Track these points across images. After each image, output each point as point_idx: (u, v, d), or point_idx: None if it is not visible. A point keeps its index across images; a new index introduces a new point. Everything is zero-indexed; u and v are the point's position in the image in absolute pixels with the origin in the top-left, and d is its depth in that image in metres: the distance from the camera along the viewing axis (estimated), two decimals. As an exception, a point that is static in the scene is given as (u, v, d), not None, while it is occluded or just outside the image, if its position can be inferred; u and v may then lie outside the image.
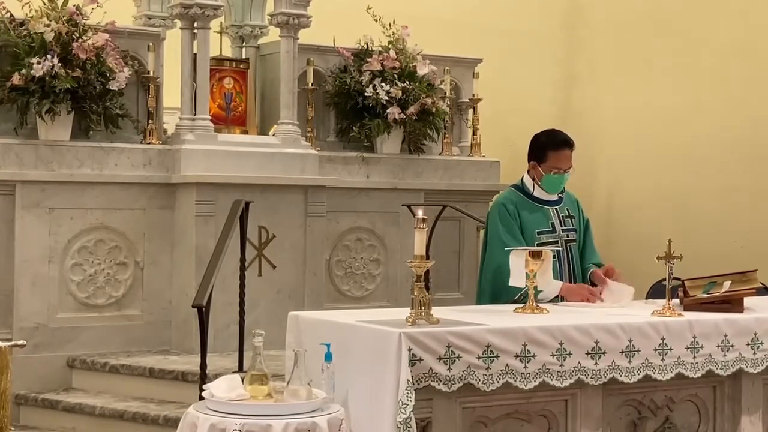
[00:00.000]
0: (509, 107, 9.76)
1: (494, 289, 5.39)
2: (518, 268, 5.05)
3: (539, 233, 5.55)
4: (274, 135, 7.91)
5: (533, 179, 5.62)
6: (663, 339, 4.71)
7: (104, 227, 7.28)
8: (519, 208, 5.55)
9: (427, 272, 4.54)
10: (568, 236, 5.64)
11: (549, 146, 5.57)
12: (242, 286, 6.74)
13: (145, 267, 7.40)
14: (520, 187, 5.66)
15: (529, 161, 5.66)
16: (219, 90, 7.98)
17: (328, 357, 4.35)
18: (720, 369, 4.85)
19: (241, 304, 6.73)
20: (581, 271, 5.69)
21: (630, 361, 4.63)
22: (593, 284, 5.57)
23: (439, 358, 4.25)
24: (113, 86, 7.14)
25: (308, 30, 7.93)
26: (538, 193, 5.61)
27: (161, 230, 7.43)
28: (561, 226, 5.63)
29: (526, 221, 5.53)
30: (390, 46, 8.29)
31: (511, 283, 5.13)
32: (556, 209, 5.64)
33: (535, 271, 4.98)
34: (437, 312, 4.49)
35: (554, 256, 5.30)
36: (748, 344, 4.91)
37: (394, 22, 8.30)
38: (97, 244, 7.27)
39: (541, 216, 5.58)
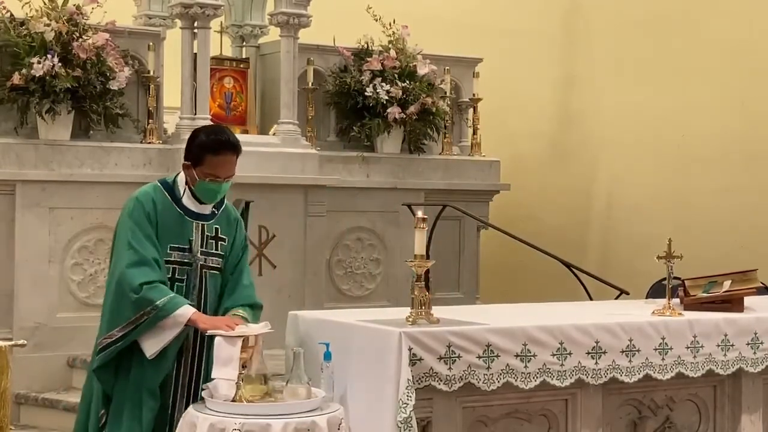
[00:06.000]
0: (509, 107, 9.76)
1: (116, 297, 4.48)
2: (227, 355, 4.25)
3: (172, 249, 4.54)
4: (274, 134, 7.91)
5: (186, 183, 4.60)
6: (663, 338, 4.72)
7: (104, 227, 7.27)
8: (161, 211, 4.53)
9: (427, 272, 4.52)
10: (206, 261, 4.59)
11: (208, 148, 4.52)
12: (242, 285, 6.71)
13: (145, 267, 7.39)
14: (170, 188, 4.61)
15: (184, 160, 4.62)
16: (219, 89, 7.98)
17: (328, 356, 4.35)
18: (720, 368, 4.85)
19: (241, 303, 6.71)
20: (218, 310, 4.62)
21: (630, 361, 4.64)
22: None
23: (440, 358, 4.25)
24: (113, 86, 7.15)
25: (308, 30, 7.94)
26: (187, 200, 4.59)
27: (161, 230, 7.42)
28: (201, 248, 4.59)
29: (163, 230, 4.52)
30: (390, 45, 8.30)
31: (214, 374, 4.28)
32: (202, 225, 4.60)
33: (246, 359, 4.29)
34: (437, 312, 4.49)
35: (182, 281, 4.53)
36: (748, 344, 4.91)
37: (394, 22, 8.31)
38: (97, 243, 7.26)
39: (181, 229, 4.56)
